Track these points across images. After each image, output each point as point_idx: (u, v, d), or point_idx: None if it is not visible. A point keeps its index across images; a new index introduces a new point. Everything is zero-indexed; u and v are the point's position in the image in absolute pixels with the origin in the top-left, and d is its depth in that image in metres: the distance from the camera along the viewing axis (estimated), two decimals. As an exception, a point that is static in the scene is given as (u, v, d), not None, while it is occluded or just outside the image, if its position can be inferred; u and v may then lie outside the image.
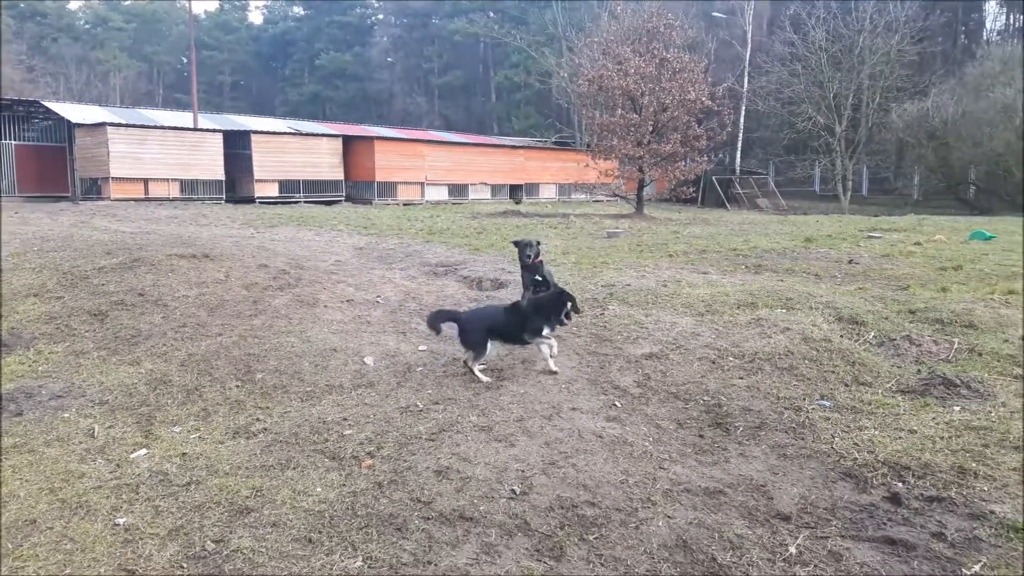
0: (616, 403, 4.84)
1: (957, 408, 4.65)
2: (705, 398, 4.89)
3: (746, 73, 39.04)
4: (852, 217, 23.53)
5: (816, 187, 41.38)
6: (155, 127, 27.12)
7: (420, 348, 5.96)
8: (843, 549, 3.16)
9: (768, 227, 16.78)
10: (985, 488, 3.63)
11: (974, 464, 3.86)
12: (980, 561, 3.05)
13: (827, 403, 4.80)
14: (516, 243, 6.78)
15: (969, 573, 2.98)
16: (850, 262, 9.75)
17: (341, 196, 29.79)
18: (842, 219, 21.56)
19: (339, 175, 30.16)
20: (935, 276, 8.69)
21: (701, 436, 4.39)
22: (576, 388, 5.10)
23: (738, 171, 39.35)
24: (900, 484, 3.73)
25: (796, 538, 3.26)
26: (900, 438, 4.23)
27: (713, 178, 35.88)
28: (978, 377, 5.11)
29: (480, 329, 5.28)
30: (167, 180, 25.72)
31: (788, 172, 40.72)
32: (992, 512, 3.39)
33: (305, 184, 28.87)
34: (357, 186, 30.56)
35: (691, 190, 23.78)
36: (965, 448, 4.06)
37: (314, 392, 5.04)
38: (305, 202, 27.57)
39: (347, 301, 7.06)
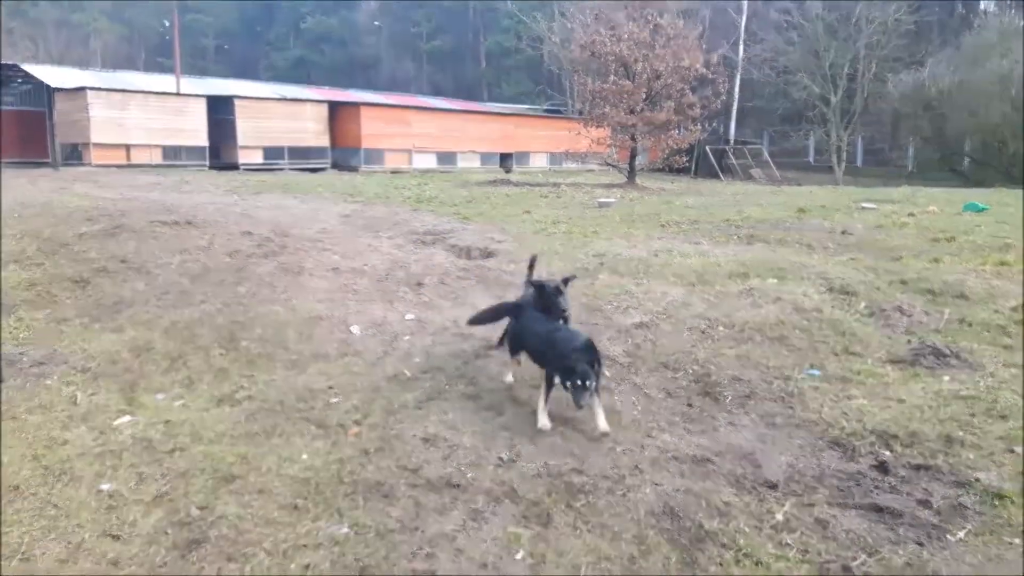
0: (605, 372, 4.82)
1: (946, 378, 4.66)
2: (694, 367, 4.88)
3: (741, 41, 38.59)
4: (846, 188, 23.49)
5: (810, 158, 41.20)
6: (137, 92, 26.54)
7: (407, 317, 5.90)
8: (830, 516, 3.17)
9: (761, 198, 16.73)
10: (971, 456, 3.65)
11: (961, 433, 3.88)
12: (965, 528, 3.07)
13: (817, 373, 4.80)
14: (539, 286, 4.57)
15: (954, 539, 3.00)
16: (843, 233, 9.72)
17: (327, 163, 29.39)
18: (836, 190, 21.54)
19: (325, 142, 29.72)
20: (928, 247, 8.68)
21: (690, 405, 4.38)
22: (565, 357, 5.07)
23: (732, 141, 39.07)
24: (888, 453, 3.75)
25: (783, 505, 3.27)
26: (889, 407, 4.24)
27: (707, 148, 35.59)
28: (968, 347, 5.14)
29: None
30: (149, 146, 25.26)
31: (783, 142, 40.50)
32: (978, 480, 3.41)
33: (290, 151, 28.45)
34: (343, 153, 30.11)
35: (684, 160, 23.63)
36: (953, 417, 4.08)
37: (299, 360, 5.00)
38: (290, 169, 27.19)
39: (333, 269, 6.98)
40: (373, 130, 30.00)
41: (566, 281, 4.60)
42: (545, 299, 4.44)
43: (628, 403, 4.36)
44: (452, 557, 2.86)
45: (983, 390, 4.43)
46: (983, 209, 12.94)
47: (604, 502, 3.27)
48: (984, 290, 6.33)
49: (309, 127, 29.29)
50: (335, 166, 29.54)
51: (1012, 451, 3.69)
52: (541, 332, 4.24)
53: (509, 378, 4.65)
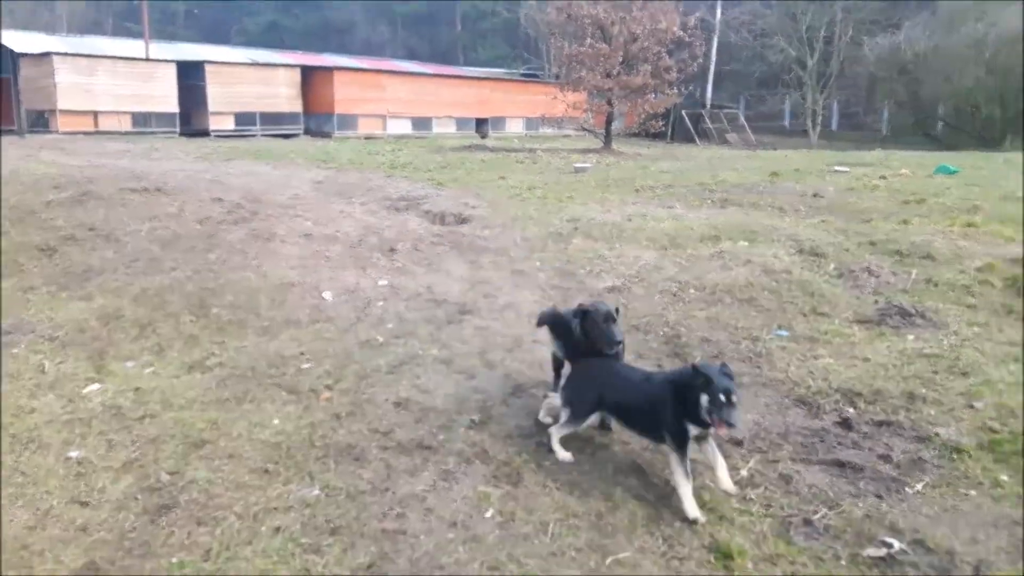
0: (578, 335, 4.84)
1: (911, 337, 4.76)
2: (665, 329, 4.93)
3: (719, 3, 38.20)
4: (820, 152, 23.59)
5: (786, 122, 41.21)
6: (105, 57, 25.66)
7: (380, 283, 5.87)
8: (793, 471, 3.25)
9: (737, 162, 16.76)
10: (932, 412, 3.76)
11: (923, 390, 3.98)
12: (923, 480, 3.17)
13: (784, 333, 4.87)
14: (583, 312, 3.55)
15: (912, 492, 3.09)
16: (815, 196, 9.80)
17: (299, 129, 28.81)
18: (810, 154, 21.62)
19: (297, 107, 29.09)
20: (898, 209, 8.79)
21: (659, 367, 4.43)
22: (538, 320, 5.09)
23: (708, 105, 38.91)
24: (851, 410, 3.84)
25: (748, 462, 3.34)
26: (854, 366, 4.33)
27: (683, 112, 35.41)
28: (933, 307, 5.24)
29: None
30: (118, 113, 24.55)
31: (759, 106, 40.41)
32: (937, 434, 3.51)
33: (262, 117, 27.82)
34: (316, 119, 29.51)
35: (660, 124, 23.45)
36: (916, 375, 4.18)
37: (271, 327, 4.96)
38: (262, 135, 26.64)
39: (305, 236, 6.90)
40: (347, 95, 29.40)
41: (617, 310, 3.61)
42: (592, 328, 3.47)
43: (599, 365, 4.39)
44: (422, 517, 2.90)
45: (946, 348, 4.54)
46: (954, 172, 13.10)
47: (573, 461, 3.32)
48: (951, 251, 6.44)
49: (282, 92, 28.63)
50: (308, 132, 28.96)
51: (972, 407, 3.79)
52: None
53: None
